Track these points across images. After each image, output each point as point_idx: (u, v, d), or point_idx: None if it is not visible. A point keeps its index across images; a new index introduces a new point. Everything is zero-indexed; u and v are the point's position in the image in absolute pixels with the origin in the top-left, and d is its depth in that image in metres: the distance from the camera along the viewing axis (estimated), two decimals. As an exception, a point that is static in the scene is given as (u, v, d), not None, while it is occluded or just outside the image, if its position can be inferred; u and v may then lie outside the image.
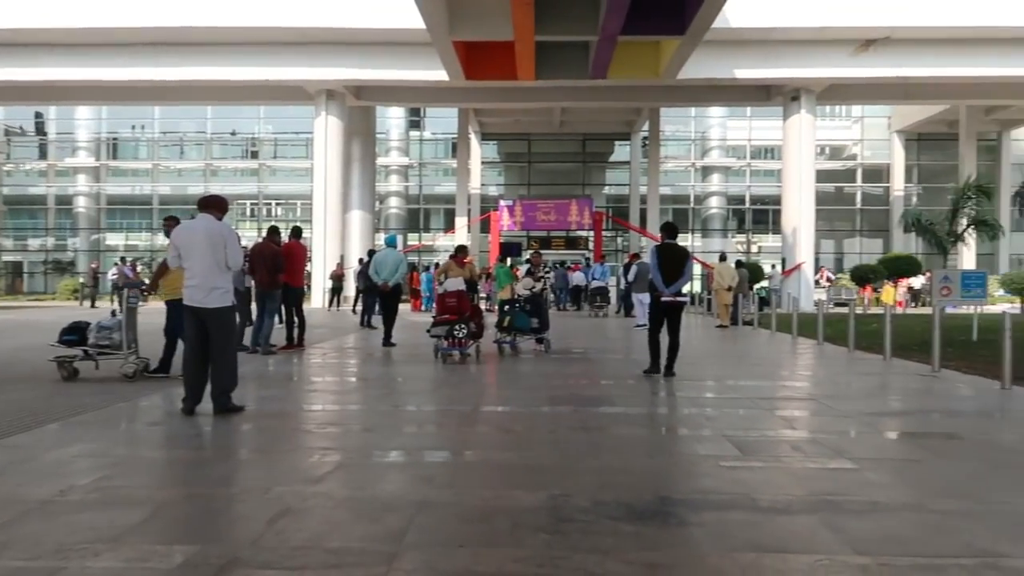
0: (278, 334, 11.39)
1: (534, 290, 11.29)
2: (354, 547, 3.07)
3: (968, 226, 20.05)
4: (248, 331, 11.10)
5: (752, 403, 6.78)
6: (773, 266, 30.42)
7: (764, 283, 28.93)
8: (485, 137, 41.98)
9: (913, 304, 30.48)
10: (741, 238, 42.28)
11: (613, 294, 25.73)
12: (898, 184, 41.23)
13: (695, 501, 3.69)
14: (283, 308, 11.53)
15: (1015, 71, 27.23)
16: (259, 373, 8.99)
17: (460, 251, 12.39)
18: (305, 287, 12.43)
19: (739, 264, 19.77)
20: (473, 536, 3.21)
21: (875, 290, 29.16)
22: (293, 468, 4.42)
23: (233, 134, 44.16)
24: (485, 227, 36.35)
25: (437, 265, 25.02)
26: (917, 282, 31.31)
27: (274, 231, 11.36)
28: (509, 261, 18.96)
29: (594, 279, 23.81)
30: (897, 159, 41.50)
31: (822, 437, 5.32)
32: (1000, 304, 26.69)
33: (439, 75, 26.12)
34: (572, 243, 35.04)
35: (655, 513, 3.50)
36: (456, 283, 10.29)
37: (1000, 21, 26.08)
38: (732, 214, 43.26)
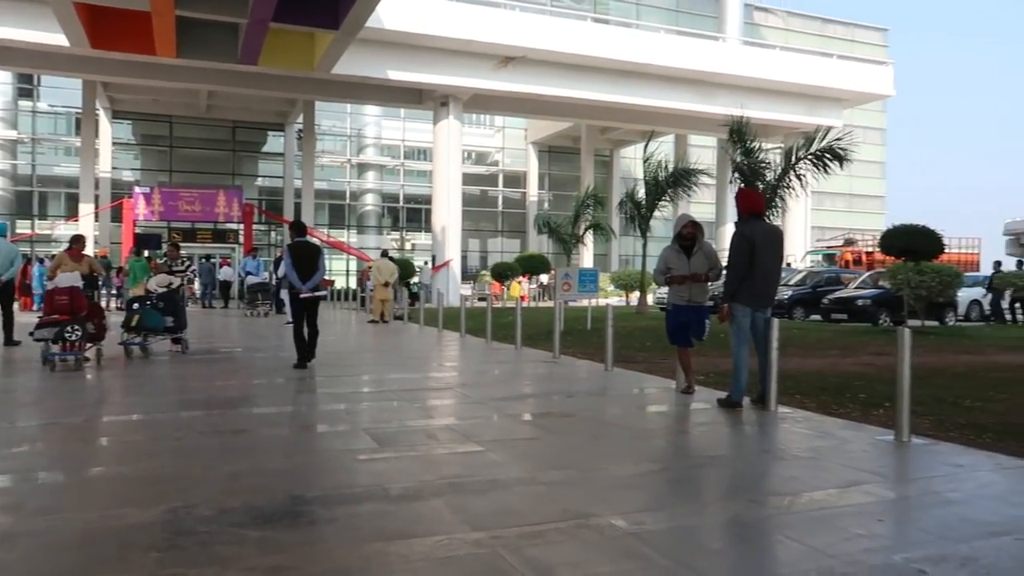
0: None
1: (171, 286, 10.35)
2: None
3: (587, 230, 23.05)
4: None
5: (394, 395, 6.98)
6: (425, 262, 31.83)
7: (415, 279, 30.09)
8: (117, 115, 37.44)
9: (545, 298, 34.16)
10: (396, 235, 43.54)
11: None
12: (533, 190, 45.85)
13: (328, 497, 3.68)
14: None
15: (622, 98, 31.91)
16: None
17: (76, 242, 10.87)
18: None
19: (387, 257, 20.21)
20: (67, 568, 2.82)
21: (505, 286, 32.02)
22: None
23: None
24: (117, 215, 32.51)
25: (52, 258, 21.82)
26: (546, 278, 35.13)
27: None
28: (147, 254, 17.21)
29: (249, 274, 22.42)
30: (532, 167, 46.14)
31: (455, 423, 5.67)
32: (611, 298, 31.12)
33: (58, 38, 22.71)
34: (220, 236, 32.97)
35: (285, 514, 3.41)
36: (70, 278, 9.00)
37: (612, 55, 30.38)
38: (387, 212, 44.34)
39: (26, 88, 37.56)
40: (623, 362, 9.35)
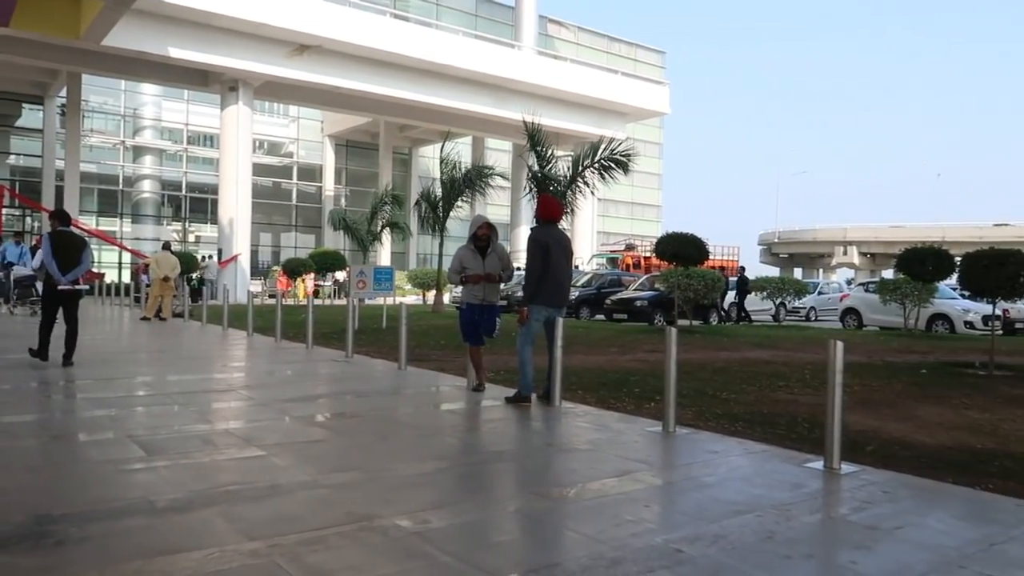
0: None
1: None
2: None
3: (384, 227, 22.82)
4: None
5: (169, 399, 6.49)
6: (209, 256, 29.90)
7: (198, 273, 28.21)
8: None
9: (341, 296, 33.36)
10: (177, 226, 40.53)
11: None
12: (329, 184, 44.70)
13: (82, 514, 3.33)
14: None
15: (421, 97, 32.03)
16: None
17: None
18: None
19: (168, 250, 18.71)
20: None
21: (291, 283, 30.98)
22: None
23: None
24: None
25: None
26: (342, 275, 34.35)
27: None
28: None
29: (11, 264, 19.25)
30: (329, 161, 44.96)
31: (236, 427, 5.37)
32: (408, 296, 31.10)
33: None
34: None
35: (26, 536, 3.04)
36: None
37: (412, 52, 30.37)
38: (168, 200, 41.16)
39: None
40: (417, 361, 9.37)
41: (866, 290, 21.44)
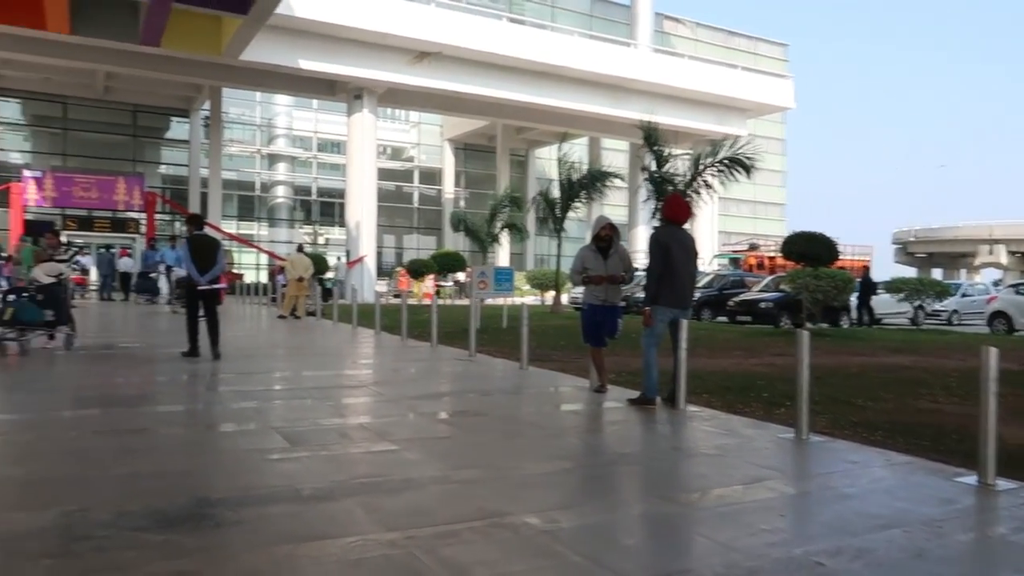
0: None
1: (61, 276, 9.71)
2: None
3: (502, 229, 23.17)
4: None
5: (307, 393, 6.83)
6: (339, 258, 31.24)
7: (329, 274, 29.52)
8: (4, 93, 35.17)
9: (461, 296, 34.07)
10: (308, 229, 42.56)
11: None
12: (449, 187, 45.71)
13: (235, 499, 3.56)
14: None
15: (537, 99, 32.23)
16: None
17: None
18: None
19: (302, 251, 19.65)
20: (-52, 577, 2.63)
21: (411, 283, 31.84)
22: None
23: None
24: (4, 200, 30.48)
25: None
26: (462, 276, 35.04)
27: None
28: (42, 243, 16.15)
29: (170, 268, 20.33)
30: (448, 164, 45.99)
31: (369, 422, 5.59)
32: (527, 297, 31.36)
33: (-64, 8, 21.09)
34: (120, 225, 31.41)
35: (189, 517, 3.28)
36: None
37: (528, 55, 30.63)
38: (299, 204, 43.31)
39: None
40: (538, 361, 9.43)
41: (1017, 292, 19.85)
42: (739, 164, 17.38)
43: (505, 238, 24.17)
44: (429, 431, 5.50)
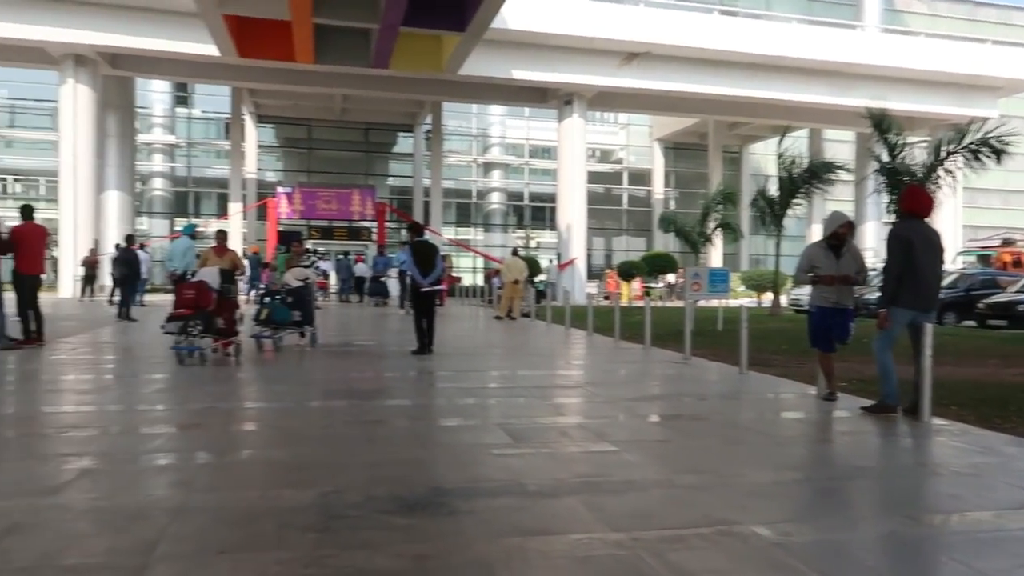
0: (15, 329, 10.06)
1: (307, 280, 10.74)
2: (94, 563, 2.77)
3: (715, 228, 22.42)
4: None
5: (526, 392, 7.05)
6: (550, 260, 31.98)
7: (541, 277, 30.28)
8: (262, 119, 39.95)
9: (672, 298, 33.51)
10: (521, 233, 43.99)
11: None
12: (658, 188, 45.12)
13: (466, 490, 3.76)
14: (18, 299, 10.16)
15: (752, 92, 30.84)
16: (-15, 373, 7.88)
17: (219, 237, 10.98)
18: (44, 275, 10.98)
19: (517, 255, 20.22)
20: (234, 541, 3.02)
21: (618, 285, 31.63)
22: (25, 478, 3.89)
23: (-45, 97, 38.15)
24: (262, 214, 34.64)
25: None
26: (673, 277, 34.42)
27: None
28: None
29: (404, 271, 21.54)
30: (657, 165, 45.40)
31: (588, 422, 5.65)
32: (741, 298, 30.14)
33: (209, 49, 24.46)
34: (355, 233, 34.40)
35: (427, 504, 3.51)
36: (207, 273, 9.18)
37: (741, 48, 29.41)
38: (512, 210, 44.87)
39: (182, 96, 40.59)
40: (758, 365, 9.02)
41: None
42: (989, 149, 15.50)
43: (718, 238, 23.34)
44: (647, 433, 5.46)
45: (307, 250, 12.81)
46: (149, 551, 2.87)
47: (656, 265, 31.84)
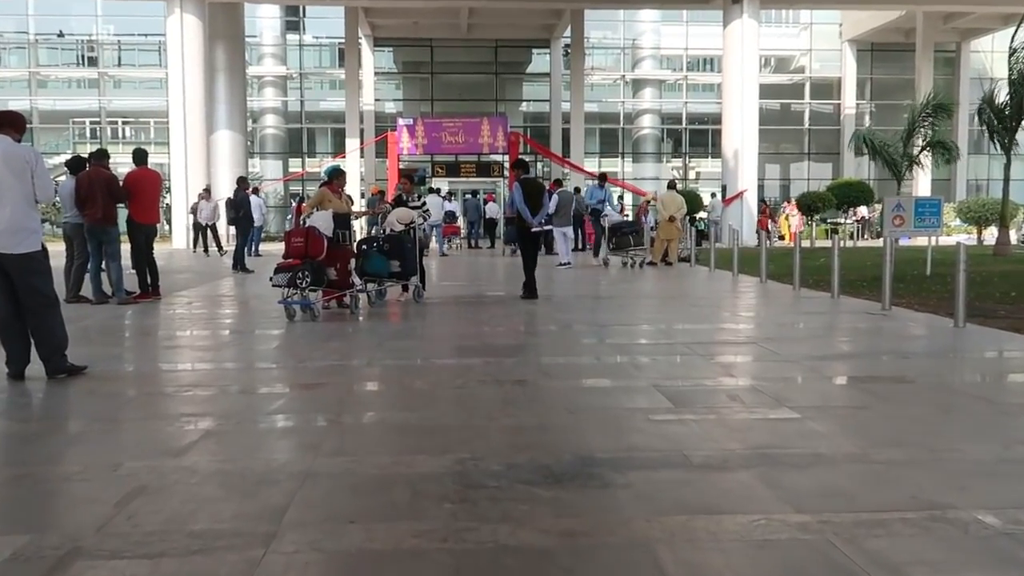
0: (130, 281, 11.00)
1: (413, 224, 10.58)
2: (224, 528, 3.02)
3: (923, 148, 20.98)
4: (87, 278, 10.69)
5: (688, 349, 6.98)
6: (713, 194, 31.15)
7: (703, 214, 29.59)
8: (378, 43, 40.89)
9: (865, 236, 31.93)
10: (677, 162, 43.00)
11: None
12: (849, 101, 42.57)
13: (621, 460, 3.79)
14: (133, 250, 11.09)
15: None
16: (105, 327, 8.71)
17: (334, 176, 10.42)
18: (160, 224, 11.85)
19: (674, 189, 19.63)
20: (366, 510, 3.21)
21: (774, 219, 30.25)
22: (149, 439, 4.29)
23: (61, 35, 41.43)
24: (382, 150, 35.71)
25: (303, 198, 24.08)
26: (866, 211, 32.69)
27: (102, 154, 10.77)
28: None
29: (596, 211, 19.20)
30: (848, 72, 42.75)
31: (763, 385, 5.53)
32: (956, 235, 28.25)
33: (321, -35, 25.16)
34: (484, 169, 34.84)
35: (575, 475, 3.57)
36: (322, 218, 9.31)
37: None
38: (667, 135, 43.87)
39: (292, 21, 42.17)
40: (978, 317, 8.50)
41: None
42: None
43: (926, 160, 21.83)
44: (837, 398, 5.30)
45: (430, 188, 12.95)
46: (278, 517, 3.10)
47: (846, 196, 30.28)
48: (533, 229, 11.13)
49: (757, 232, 24.85)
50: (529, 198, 10.94)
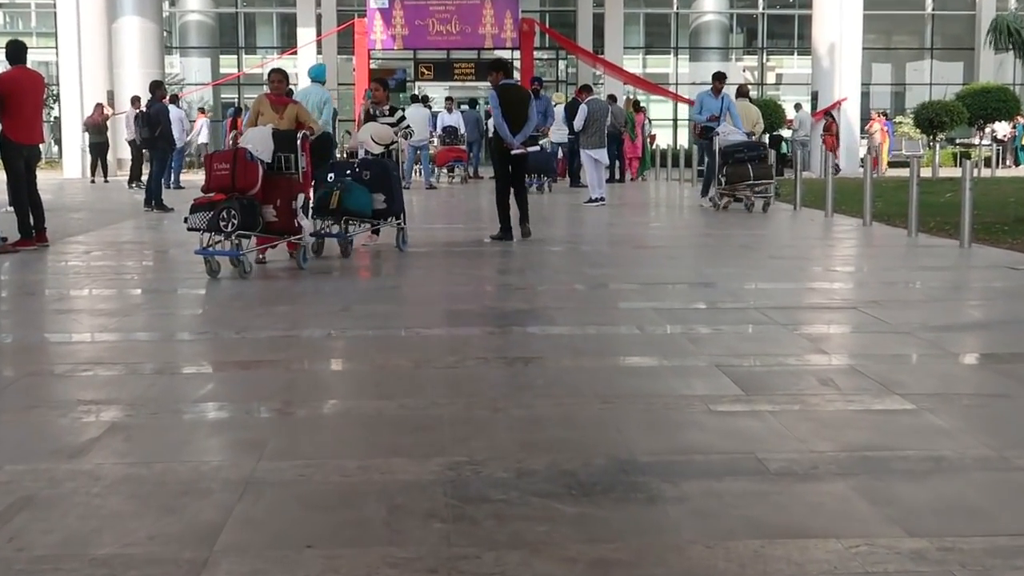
0: (6, 222, 11.05)
1: (391, 146, 10.56)
2: (135, 553, 3.04)
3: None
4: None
5: (763, 316, 6.98)
6: (798, 106, 30.95)
7: (786, 132, 29.42)
8: None
9: (1005, 163, 31.72)
10: (751, 62, 42.61)
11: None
12: (991, -22, 42.11)
13: (672, 465, 3.81)
14: (9, 181, 11.06)
15: None
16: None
17: (276, 78, 10.15)
18: (46, 144, 11.77)
19: (746, 97, 19.06)
20: (327, 531, 3.22)
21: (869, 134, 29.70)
22: (35, 435, 4.32)
23: None
24: (347, 44, 35.46)
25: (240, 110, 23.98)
26: (1006, 127, 32.37)
27: None
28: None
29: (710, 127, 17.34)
30: (989, -64, 42.23)
31: (865, 365, 5.53)
32: None
33: None
34: (486, 70, 34.57)
35: (611, 485, 3.58)
36: (257, 137, 8.96)
37: None
38: (737, 23, 43.45)
39: None
40: None
41: None
42: None
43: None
44: (966, 383, 5.31)
45: (413, 96, 12.97)
46: (209, 540, 3.11)
47: (982, 107, 30.07)
48: (513, 152, 11.41)
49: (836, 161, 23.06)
50: (509, 108, 11.29)
